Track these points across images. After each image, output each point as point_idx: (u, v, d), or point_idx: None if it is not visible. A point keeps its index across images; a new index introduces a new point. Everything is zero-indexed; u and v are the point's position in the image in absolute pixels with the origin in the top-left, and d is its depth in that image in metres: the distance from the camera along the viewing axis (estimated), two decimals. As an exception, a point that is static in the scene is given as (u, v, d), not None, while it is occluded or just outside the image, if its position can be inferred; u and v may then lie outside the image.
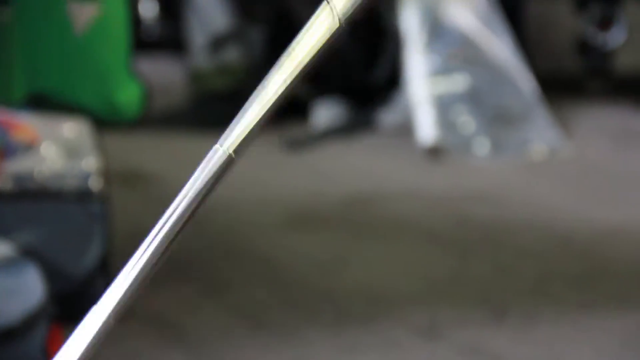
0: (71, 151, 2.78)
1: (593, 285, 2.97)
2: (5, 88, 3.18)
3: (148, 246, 0.62)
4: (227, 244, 3.35)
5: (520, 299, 2.83)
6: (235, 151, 0.62)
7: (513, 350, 2.58)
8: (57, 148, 2.80)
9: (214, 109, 4.70)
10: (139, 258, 0.62)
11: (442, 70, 4.46)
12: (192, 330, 2.69)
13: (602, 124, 4.56)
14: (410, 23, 4.68)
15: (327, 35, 0.69)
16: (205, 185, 0.61)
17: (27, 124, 2.84)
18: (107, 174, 2.79)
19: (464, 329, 2.60)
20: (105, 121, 3.06)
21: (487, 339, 2.55)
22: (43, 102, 3.07)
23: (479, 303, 2.79)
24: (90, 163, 2.73)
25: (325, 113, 4.68)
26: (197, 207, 0.59)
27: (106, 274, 2.60)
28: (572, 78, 5.13)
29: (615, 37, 4.88)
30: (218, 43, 4.76)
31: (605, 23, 4.94)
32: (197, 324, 2.69)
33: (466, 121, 4.49)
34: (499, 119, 4.69)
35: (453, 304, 2.80)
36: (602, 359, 2.59)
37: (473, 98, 4.54)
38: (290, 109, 4.54)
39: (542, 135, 4.56)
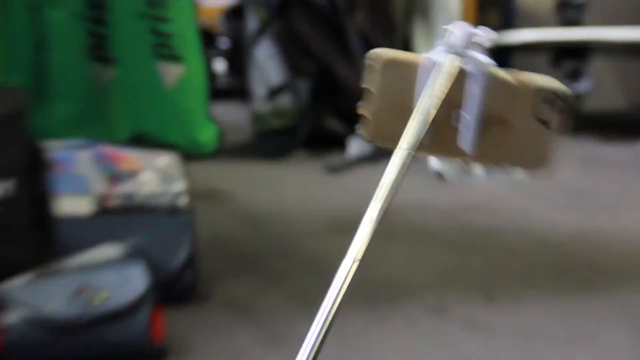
0: (164, 177, 2.91)
1: (565, 275, 2.97)
2: (113, 130, 3.26)
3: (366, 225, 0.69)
4: (283, 245, 3.37)
5: (508, 286, 2.87)
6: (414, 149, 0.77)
7: (503, 324, 2.51)
8: (154, 175, 2.91)
9: (271, 142, 4.89)
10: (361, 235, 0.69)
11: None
12: (258, 310, 2.67)
13: (572, 153, 4.62)
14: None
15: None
16: (395, 180, 0.73)
17: (130, 157, 2.97)
18: (192, 193, 2.98)
19: (465, 308, 2.63)
20: (189, 154, 3.16)
21: (484, 316, 2.56)
22: (142, 141, 3.10)
23: (476, 289, 2.79)
24: (179, 186, 2.90)
25: (357, 145, 4.54)
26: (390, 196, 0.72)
27: (192, 268, 2.69)
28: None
29: (583, 86, 5.13)
30: (273, 92, 4.81)
31: (575, 75, 5.15)
32: (261, 306, 2.70)
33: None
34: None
35: (456, 290, 2.85)
36: (574, 330, 2.49)
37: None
38: (329, 142, 4.80)
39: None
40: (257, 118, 4.88)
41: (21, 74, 2.99)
